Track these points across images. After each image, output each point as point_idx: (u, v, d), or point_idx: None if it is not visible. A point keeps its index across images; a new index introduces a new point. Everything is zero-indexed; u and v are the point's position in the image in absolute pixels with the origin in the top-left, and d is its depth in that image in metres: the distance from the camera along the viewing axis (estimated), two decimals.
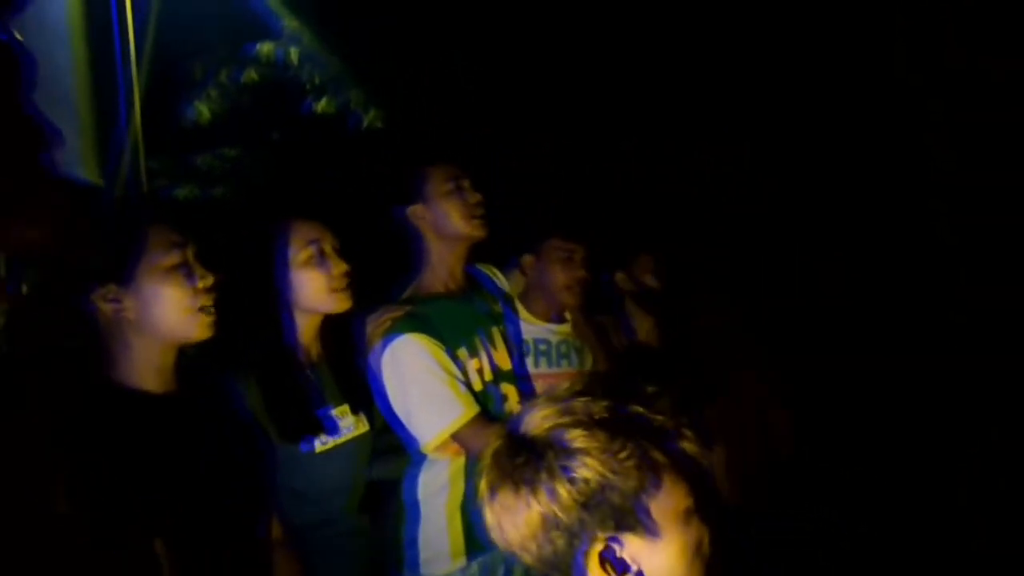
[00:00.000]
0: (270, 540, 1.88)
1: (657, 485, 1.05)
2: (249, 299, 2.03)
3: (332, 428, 2.09)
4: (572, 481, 1.05)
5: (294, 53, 5.27)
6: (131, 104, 4.28)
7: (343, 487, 2.14)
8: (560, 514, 1.05)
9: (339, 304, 2.14)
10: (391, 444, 2.36)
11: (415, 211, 2.36)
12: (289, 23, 5.29)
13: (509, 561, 2.29)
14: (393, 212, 2.39)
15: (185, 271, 1.68)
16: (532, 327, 2.71)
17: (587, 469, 1.05)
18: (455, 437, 2.22)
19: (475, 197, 2.37)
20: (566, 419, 1.08)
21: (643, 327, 2.97)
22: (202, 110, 5.03)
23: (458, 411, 2.21)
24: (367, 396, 2.21)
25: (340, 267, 2.12)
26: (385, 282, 2.46)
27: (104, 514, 1.54)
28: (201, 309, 1.69)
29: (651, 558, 1.06)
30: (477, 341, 2.36)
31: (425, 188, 2.36)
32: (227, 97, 5.11)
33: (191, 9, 4.85)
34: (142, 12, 4.42)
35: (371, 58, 5.26)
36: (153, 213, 1.84)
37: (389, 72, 5.30)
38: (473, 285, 2.52)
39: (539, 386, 2.58)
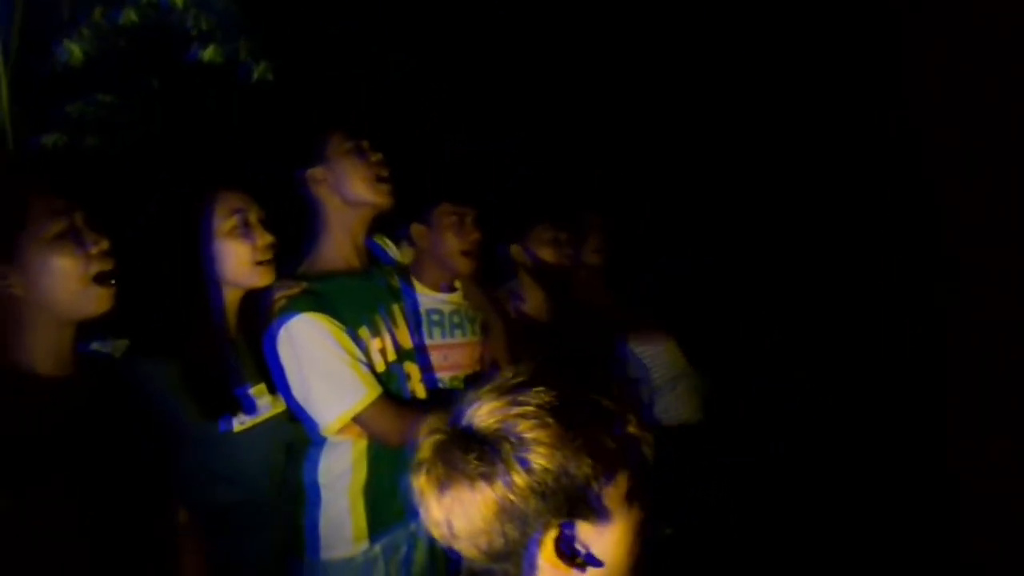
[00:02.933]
0: (174, 525, 1.80)
1: (608, 471, 1.11)
2: (170, 271, 1.96)
3: (250, 407, 2.02)
4: (529, 471, 1.09)
5: None
6: None
7: (263, 466, 2.08)
8: (517, 503, 1.08)
9: (262, 278, 2.08)
10: None
11: (314, 174, 2.27)
12: None
13: (410, 540, 2.35)
14: (293, 176, 2.29)
15: (74, 238, 1.56)
16: (424, 297, 2.65)
17: (543, 458, 1.08)
18: (357, 420, 2.15)
19: (376, 156, 2.29)
20: (517, 410, 1.11)
21: (534, 300, 2.98)
22: (74, 51, 4.61)
23: (360, 393, 2.13)
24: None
25: (265, 239, 2.07)
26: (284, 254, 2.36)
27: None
28: (95, 279, 1.58)
29: (599, 541, 1.11)
30: (379, 320, 2.29)
31: (324, 149, 2.28)
32: (102, 39, 4.70)
33: None
34: None
35: (264, 5, 4.96)
36: (33, 179, 1.73)
37: (283, 22, 5.01)
38: (372, 259, 2.45)
39: (434, 357, 2.58)
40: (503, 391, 1.15)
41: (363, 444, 2.23)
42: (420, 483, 1.14)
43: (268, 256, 2.09)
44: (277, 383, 2.14)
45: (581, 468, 1.10)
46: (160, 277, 1.91)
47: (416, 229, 2.69)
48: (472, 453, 1.11)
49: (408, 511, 2.33)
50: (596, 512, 1.11)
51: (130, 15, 4.76)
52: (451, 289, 2.74)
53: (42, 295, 1.55)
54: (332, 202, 2.30)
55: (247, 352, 2.11)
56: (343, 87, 4.73)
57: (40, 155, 4.57)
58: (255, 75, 5.13)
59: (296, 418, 2.18)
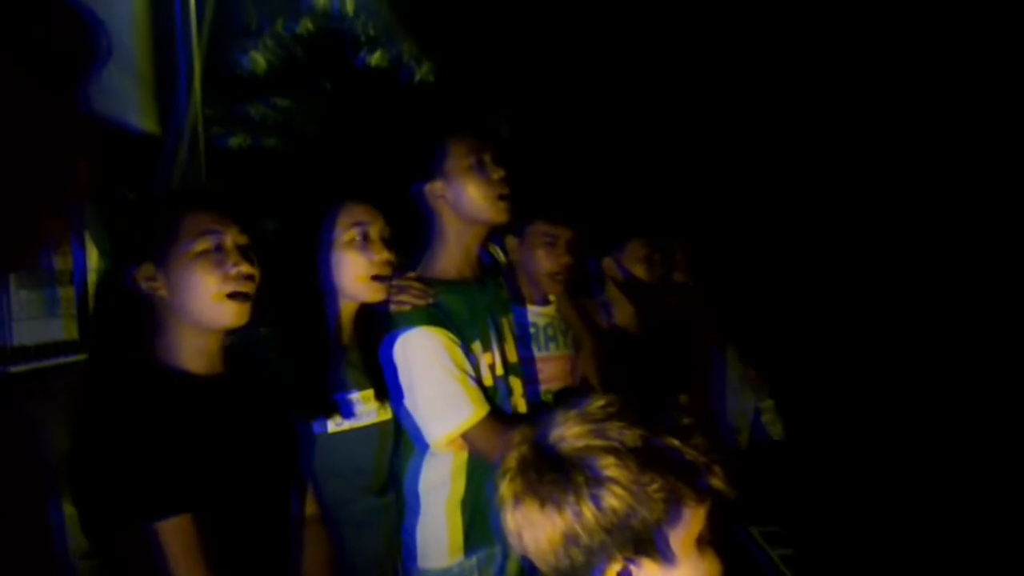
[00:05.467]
0: (303, 516, 1.92)
1: (679, 518, 1.11)
2: (292, 277, 2.04)
3: (348, 412, 2.08)
4: (599, 508, 1.10)
5: (350, 3, 5.27)
6: (190, 53, 4.33)
7: (362, 470, 2.14)
8: (582, 534, 1.10)
9: (375, 293, 2.10)
10: None
11: (434, 188, 2.24)
12: None
13: (505, 550, 2.31)
14: (412, 189, 2.28)
15: (217, 257, 1.69)
16: (518, 310, 2.62)
17: (615, 498, 1.10)
18: (464, 436, 2.17)
19: (498, 173, 2.24)
20: (599, 442, 1.12)
21: (624, 314, 2.95)
22: (258, 60, 5.05)
23: (469, 411, 2.15)
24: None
25: (383, 255, 2.08)
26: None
27: (149, 489, 1.58)
28: (232, 296, 1.69)
29: None
30: (489, 333, 2.30)
31: (445, 163, 2.23)
32: (282, 47, 5.13)
33: None
34: None
35: (427, 10, 5.25)
36: (194, 197, 1.86)
37: (444, 26, 5.29)
38: (484, 268, 2.41)
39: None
40: (590, 419, 1.15)
41: (463, 457, 2.25)
42: (502, 490, 1.18)
43: (385, 272, 2.09)
44: (390, 388, 2.19)
45: (653, 511, 1.10)
46: (281, 281, 1.97)
47: (510, 242, 2.64)
48: (548, 475, 1.13)
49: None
50: (662, 554, 1.12)
51: (307, 24, 5.15)
52: (545, 302, 2.71)
53: (181, 303, 1.68)
54: (449, 216, 2.27)
55: (358, 359, 2.15)
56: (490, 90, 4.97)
57: (227, 154, 5.01)
58: (418, 76, 5.46)
59: (401, 426, 2.23)
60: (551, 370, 2.66)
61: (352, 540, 2.09)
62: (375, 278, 2.08)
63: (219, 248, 1.70)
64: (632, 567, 1.12)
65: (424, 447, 2.24)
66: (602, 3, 4.80)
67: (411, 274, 2.25)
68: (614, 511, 1.10)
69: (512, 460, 1.17)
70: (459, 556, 2.26)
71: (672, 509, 1.11)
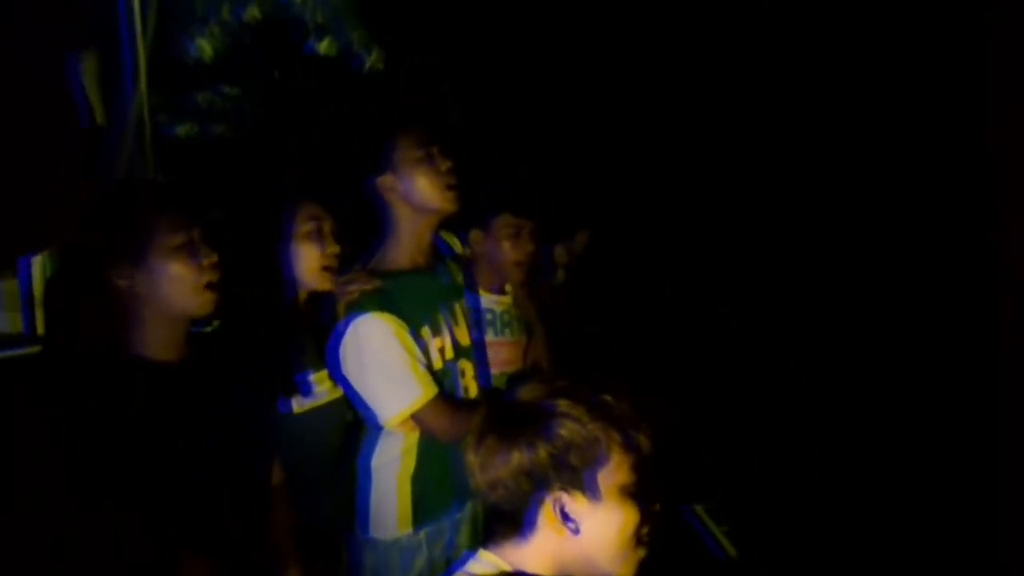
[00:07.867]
0: (270, 487, 2.10)
1: (607, 461, 1.33)
2: (253, 268, 2.21)
3: (307, 391, 2.27)
4: (549, 438, 1.32)
5: None
6: (134, 42, 4.27)
7: (320, 446, 2.33)
8: (536, 463, 1.32)
9: (324, 283, 2.30)
10: None
11: (384, 181, 2.37)
12: None
13: (454, 525, 2.47)
14: (363, 182, 2.41)
15: (191, 250, 1.85)
16: (476, 297, 2.82)
17: (563, 430, 1.32)
18: (413, 417, 2.32)
19: (446, 164, 2.38)
20: (555, 392, 1.36)
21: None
22: (204, 47, 4.99)
23: (417, 392, 2.29)
24: None
25: (333, 248, 2.30)
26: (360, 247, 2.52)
27: (121, 478, 1.73)
28: (206, 286, 1.88)
29: (590, 519, 1.33)
30: (440, 318, 2.43)
31: (394, 156, 2.37)
32: (229, 34, 5.07)
33: None
34: None
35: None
36: (163, 196, 2.00)
37: (393, 13, 5.27)
38: (438, 256, 2.56)
39: None
40: (545, 380, 1.41)
41: (414, 437, 2.38)
42: (468, 439, 1.39)
43: (333, 264, 2.30)
44: (333, 373, 2.33)
45: (589, 449, 1.33)
46: (243, 271, 2.12)
47: (475, 235, 2.84)
48: (509, 417, 1.36)
49: (454, 503, 2.45)
50: (591, 491, 1.33)
51: (253, 11, 5.10)
52: (502, 291, 2.90)
53: (161, 295, 1.83)
54: (401, 208, 2.38)
55: (311, 342, 2.33)
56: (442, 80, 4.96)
57: (174, 143, 4.96)
58: (367, 64, 5.43)
59: (353, 407, 2.38)
60: (506, 354, 2.81)
61: (312, 508, 2.26)
62: (325, 269, 2.27)
63: (190, 241, 1.85)
64: (565, 496, 1.33)
65: (377, 427, 2.37)
66: None
67: (357, 267, 2.39)
68: (561, 439, 1.32)
69: (479, 416, 1.40)
70: (407, 528, 2.39)
71: (603, 451, 1.33)
